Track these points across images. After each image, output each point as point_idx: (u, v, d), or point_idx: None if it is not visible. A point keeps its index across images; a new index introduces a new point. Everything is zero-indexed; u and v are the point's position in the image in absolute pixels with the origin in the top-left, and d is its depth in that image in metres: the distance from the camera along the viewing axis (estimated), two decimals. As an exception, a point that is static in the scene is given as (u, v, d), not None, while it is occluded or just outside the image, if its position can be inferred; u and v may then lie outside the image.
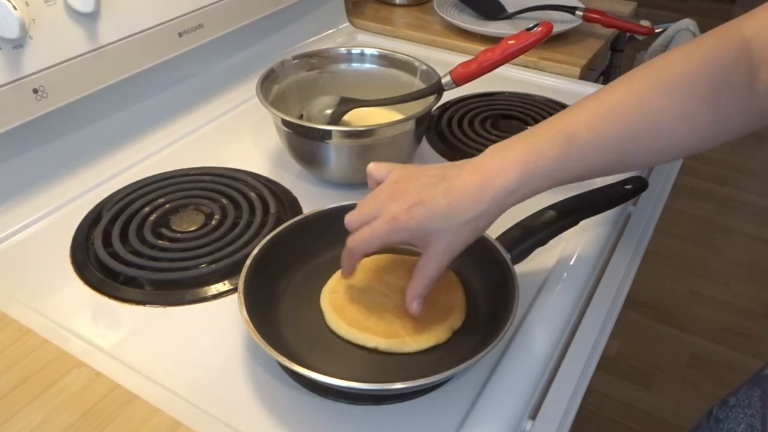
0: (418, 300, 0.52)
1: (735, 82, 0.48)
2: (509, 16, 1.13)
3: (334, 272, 0.60)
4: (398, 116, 0.74)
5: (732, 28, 0.49)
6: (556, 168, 0.49)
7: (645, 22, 1.09)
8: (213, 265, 0.62)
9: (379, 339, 0.53)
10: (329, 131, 0.69)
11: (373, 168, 0.55)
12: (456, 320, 0.55)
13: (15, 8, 0.60)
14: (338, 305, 0.56)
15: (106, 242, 0.65)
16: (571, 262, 0.64)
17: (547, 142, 0.50)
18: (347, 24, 1.13)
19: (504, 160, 0.50)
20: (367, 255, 0.52)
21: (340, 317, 0.55)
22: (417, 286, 0.52)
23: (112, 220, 0.67)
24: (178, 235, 0.66)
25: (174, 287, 0.61)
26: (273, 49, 0.97)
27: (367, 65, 0.83)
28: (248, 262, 0.56)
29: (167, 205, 0.70)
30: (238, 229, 0.66)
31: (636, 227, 0.73)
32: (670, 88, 0.49)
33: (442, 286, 0.57)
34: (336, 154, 0.71)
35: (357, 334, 0.54)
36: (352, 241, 0.52)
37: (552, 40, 1.03)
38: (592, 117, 0.50)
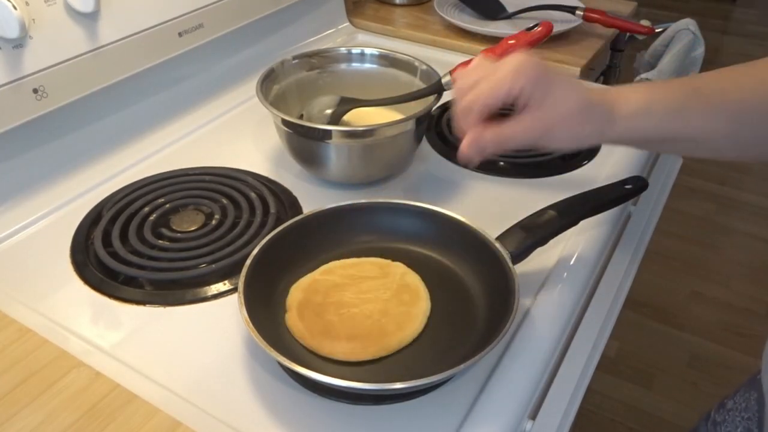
0: (480, 154, 0.50)
1: None
2: (509, 16, 1.13)
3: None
4: (398, 116, 0.74)
5: None
6: (676, 110, 0.49)
7: (645, 22, 1.09)
8: (213, 265, 0.62)
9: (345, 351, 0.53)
10: (329, 131, 0.69)
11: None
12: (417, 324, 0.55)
13: (15, 8, 0.60)
14: (302, 326, 0.55)
15: (106, 242, 0.65)
16: (571, 262, 0.64)
17: (672, 86, 0.51)
18: (347, 24, 1.13)
19: (627, 91, 0.50)
20: (485, 112, 0.49)
21: (309, 337, 0.54)
22: (498, 139, 0.49)
23: (112, 220, 0.67)
24: (178, 235, 0.66)
25: (174, 287, 0.61)
26: (273, 49, 0.97)
27: (367, 65, 0.83)
28: (248, 262, 0.56)
29: (167, 205, 0.70)
30: (238, 229, 0.66)
31: (636, 227, 0.73)
32: None
33: (405, 291, 0.57)
34: (336, 154, 0.71)
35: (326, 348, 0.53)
36: (473, 95, 0.49)
37: (552, 40, 1.03)
38: (718, 76, 0.51)
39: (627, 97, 0.50)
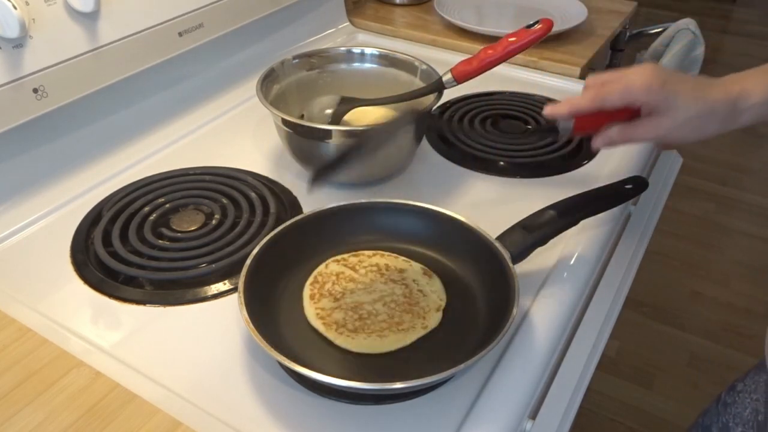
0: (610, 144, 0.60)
1: None
2: None
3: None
4: (398, 116, 0.74)
5: None
6: None
7: None
8: (213, 265, 0.62)
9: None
10: (330, 131, 0.69)
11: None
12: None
13: (15, 8, 0.60)
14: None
15: (106, 242, 0.65)
16: (571, 262, 0.64)
17: None
18: (347, 24, 1.13)
19: (747, 82, 0.56)
20: (613, 108, 0.58)
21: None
22: (623, 136, 0.59)
23: (112, 220, 0.67)
24: (178, 234, 0.66)
25: (174, 287, 0.61)
26: (273, 49, 0.97)
27: (368, 65, 0.83)
28: (248, 262, 0.56)
29: (167, 205, 0.70)
30: (238, 229, 0.66)
31: (636, 227, 0.73)
32: None
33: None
34: (336, 154, 0.71)
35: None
36: (604, 91, 0.57)
37: (552, 39, 1.03)
38: None
39: (749, 90, 0.55)
